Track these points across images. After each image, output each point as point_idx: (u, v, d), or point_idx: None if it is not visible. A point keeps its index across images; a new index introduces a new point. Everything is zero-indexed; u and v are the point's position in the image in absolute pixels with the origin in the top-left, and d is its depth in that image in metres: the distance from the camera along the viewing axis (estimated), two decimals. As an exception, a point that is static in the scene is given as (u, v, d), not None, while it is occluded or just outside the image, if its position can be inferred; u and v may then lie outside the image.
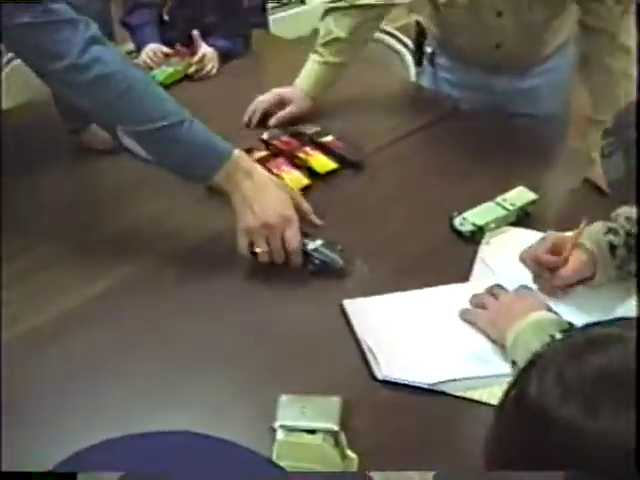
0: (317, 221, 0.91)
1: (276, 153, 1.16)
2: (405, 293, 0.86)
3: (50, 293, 0.85)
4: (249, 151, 1.12)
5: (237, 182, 0.84)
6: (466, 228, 0.96)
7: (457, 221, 0.97)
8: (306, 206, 0.90)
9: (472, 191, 1.03)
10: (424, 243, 0.96)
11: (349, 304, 0.84)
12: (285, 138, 1.19)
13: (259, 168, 0.87)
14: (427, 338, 0.79)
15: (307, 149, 1.16)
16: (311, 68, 1.26)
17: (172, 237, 0.96)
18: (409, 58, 1.63)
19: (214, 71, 1.53)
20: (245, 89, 1.36)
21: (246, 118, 1.27)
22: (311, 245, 0.88)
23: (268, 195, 0.84)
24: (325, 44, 1.23)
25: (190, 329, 0.82)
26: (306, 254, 0.88)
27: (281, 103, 1.26)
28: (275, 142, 1.18)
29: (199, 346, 0.79)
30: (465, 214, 0.98)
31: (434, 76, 1.37)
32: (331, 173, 1.12)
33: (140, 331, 0.81)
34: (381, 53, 1.61)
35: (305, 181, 1.09)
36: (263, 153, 1.14)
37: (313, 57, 1.26)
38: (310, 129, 1.22)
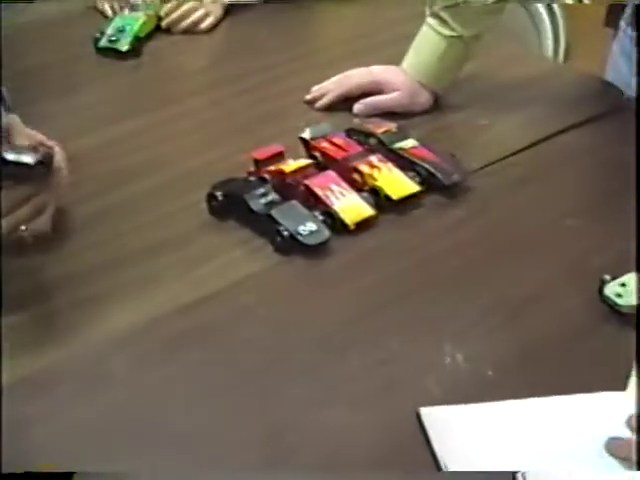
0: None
1: (323, 163, 1.17)
2: (519, 402, 0.85)
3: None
4: (276, 157, 1.16)
5: None
6: (625, 300, 0.96)
7: (611, 288, 0.97)
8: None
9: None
10: (554, 320, 0.96)
11: (429, 414, 0.84)
12: (339, 139, 1.21)
13: None
14: (552, 478, 0.78)
15: (373, 159, 1.17)
16: (430, 44, 1.31)
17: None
18: (547, 24, 1.67)
19: (207, 23, 1.58)
20: (244, 55, 1.46)
21: (309, 97, 1.36)
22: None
23: None
24: (451, 9, 1.28)
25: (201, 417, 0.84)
26: (268, 216, 0.97)
27: (375, 92, 1.34)
28: (323, 144, 1.20)
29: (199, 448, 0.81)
30: (624, 277, 0.97)
31: (630, 42, 1.40)
32: (409, 199, 1.14)
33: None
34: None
35: (368, 211, 1.10)
36: (302, 162, 1.15)
37: (431, 24, 1.31)
38: (380, 126, 1.24)
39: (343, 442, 0.83)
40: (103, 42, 1.51)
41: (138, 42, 1.53)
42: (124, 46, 1.50)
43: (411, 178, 1.16)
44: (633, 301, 0.96)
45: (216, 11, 1.61)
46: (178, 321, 0.95)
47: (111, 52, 1.50)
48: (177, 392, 0.87)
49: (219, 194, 1.11)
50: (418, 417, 0.84)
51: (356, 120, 1.32)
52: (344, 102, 1.37)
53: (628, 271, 0.98)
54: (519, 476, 0.78)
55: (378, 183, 1.14)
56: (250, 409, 0.85)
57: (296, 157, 1.18)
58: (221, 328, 0.95)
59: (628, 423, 0.82)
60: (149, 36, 1.57)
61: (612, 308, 0.97)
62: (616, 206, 1.13)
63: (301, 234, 1.05)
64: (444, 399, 0.86)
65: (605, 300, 0.97)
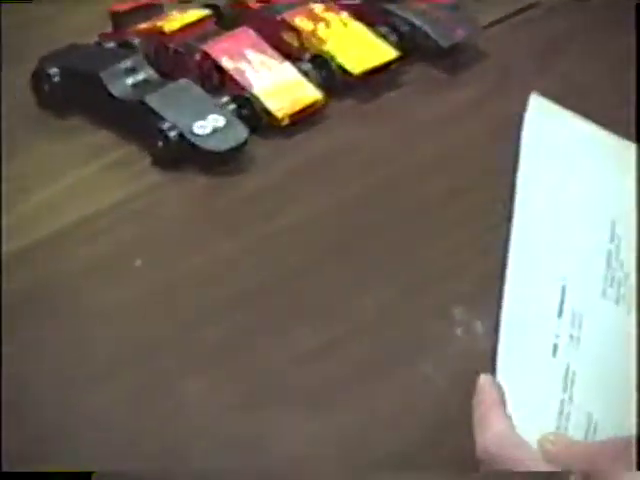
0: None
1: (231, 13, 1.22)
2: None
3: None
4: (150, 7, 1.21)
5: None
6: None
7: None
8: None
9: None
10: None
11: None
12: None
13: None
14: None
15: (316, 6, 1.21)
16: None
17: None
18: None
19: None
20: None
21: None
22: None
23: None
24: None
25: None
26: (140, 105, 1.05)
27: None
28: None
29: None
30: None
31: None
32: (379, 72, 1.16)
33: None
34: None
35: (310, 94, 1.13)
36: (194, 14, 1.19)
37: None
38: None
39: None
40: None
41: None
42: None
43: (383, 37, 1.18)
44: None
45: None
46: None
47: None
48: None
49: (54, 71, 1.12)
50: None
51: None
52: None
53: None
54: None
55: (327, 47, 1.17)
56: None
57: (184, 7, 1.22)
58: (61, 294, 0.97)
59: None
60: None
61: None
62: None
63: (198, 134, 1.06)
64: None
65: None
